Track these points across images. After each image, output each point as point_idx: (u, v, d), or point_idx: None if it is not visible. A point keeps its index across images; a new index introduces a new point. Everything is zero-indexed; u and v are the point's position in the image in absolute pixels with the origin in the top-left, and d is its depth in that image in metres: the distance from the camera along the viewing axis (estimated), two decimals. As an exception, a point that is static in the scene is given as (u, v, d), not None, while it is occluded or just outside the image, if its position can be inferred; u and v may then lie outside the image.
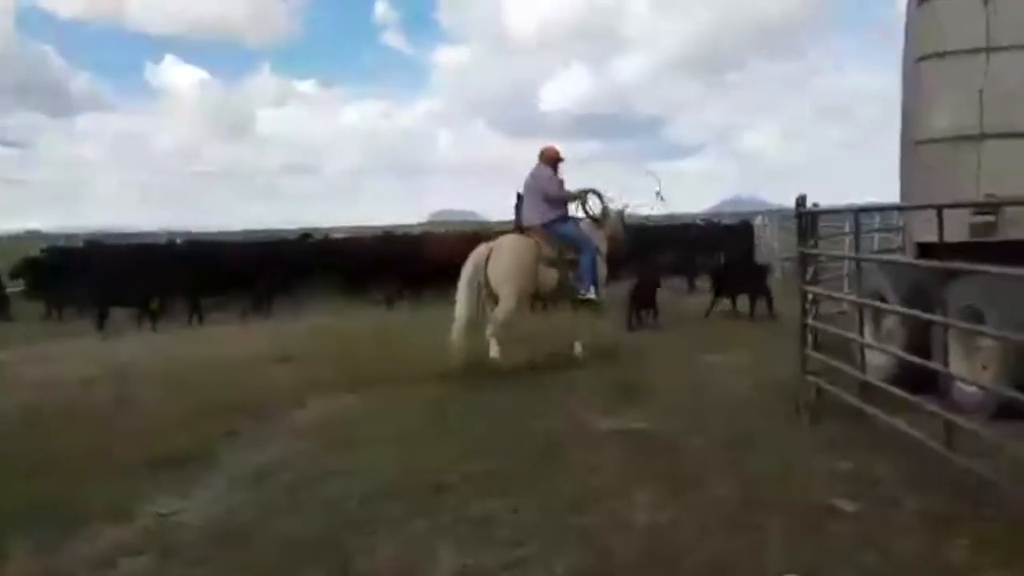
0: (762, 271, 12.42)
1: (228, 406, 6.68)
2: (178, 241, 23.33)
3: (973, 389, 5.16)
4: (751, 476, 4.66)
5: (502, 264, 8.28)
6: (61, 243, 24.73)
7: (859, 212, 5.96)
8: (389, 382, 7.42)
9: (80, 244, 22.39)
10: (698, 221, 26.73)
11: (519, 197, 9.23)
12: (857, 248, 5.95)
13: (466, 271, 8.33)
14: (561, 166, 8.98)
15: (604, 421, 6.02)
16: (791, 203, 5.96)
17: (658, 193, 9.80)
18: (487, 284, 8.28)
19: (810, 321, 5.91)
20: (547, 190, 8.74)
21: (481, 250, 8.46)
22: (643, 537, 3.91)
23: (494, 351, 8.05)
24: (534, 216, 8.77)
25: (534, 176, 8.86)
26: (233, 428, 6.13)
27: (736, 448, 5.22)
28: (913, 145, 6.90)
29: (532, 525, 4.09)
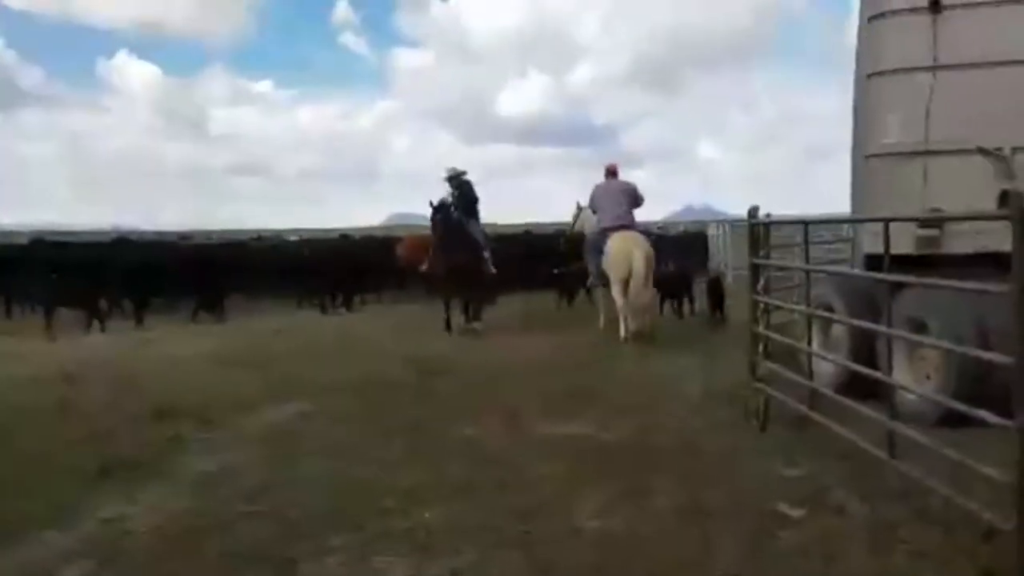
0: (687, 277, 13.49)
1: (175, 410, 6.57)
2: (132, 239, 22.85)
3: (916, 398, 5.28)
4: (699, 482, 4.69)
5: (646, 258, 9.87)
6: (3, 240, 24.04)
7: (809, 224, 6.07)
8: (334, 388, 7.45)
9: (24, 241, 21.76)
10: (655, 229, 27.04)
11: (579, 205, 12.21)
12: (807, 259, 6.06)
13: (620, 267, 9.84)
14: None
15: (548, 426, 6.01)
16: (744, 213, 6.05)
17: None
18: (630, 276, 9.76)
19: (760, 329, 6.00)
20: (636, 196, 10.88)
21: (623, 246, 9.98)
22: (587, 545, 3.92)
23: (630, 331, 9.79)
24: (627, 218, 10.70)
25: (613, 185, 10.96)
26: (180, 433, 6.02)
27: (684, 454, 5.26)
28: (863, 159, 7.05)
29: (472, 534, 4.07)
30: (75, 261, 15.62)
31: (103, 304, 13.86)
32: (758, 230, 5.96)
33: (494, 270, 11.80)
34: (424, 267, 12.09)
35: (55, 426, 6.22)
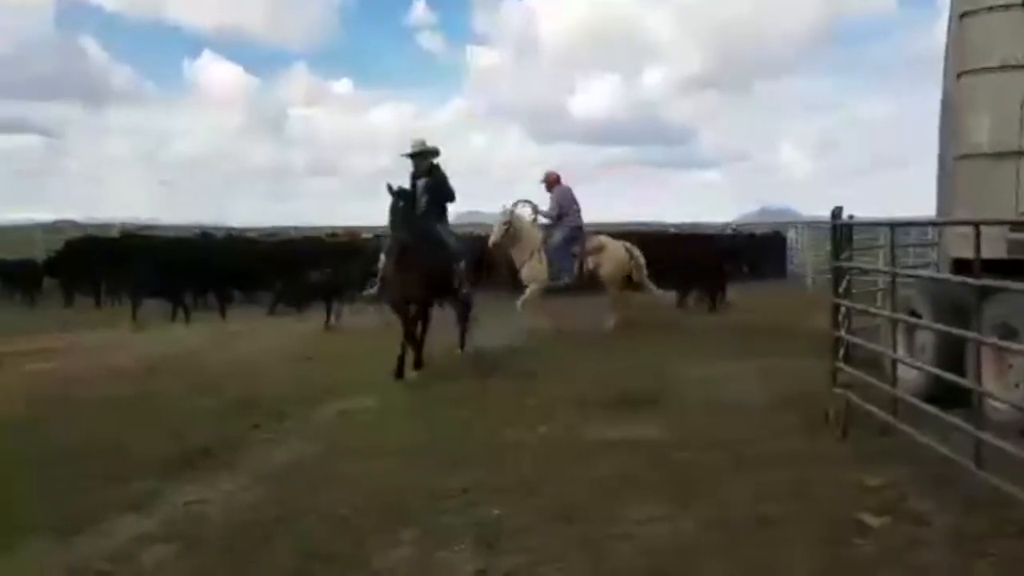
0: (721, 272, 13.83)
1: (251, 403, 6.76)
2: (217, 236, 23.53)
3: (1005, 406, 5.09)
4: (771, 488, 4.59)
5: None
6: (94, 234, 25.03)
7: (895, 226, 5.90)
8: (399, 385, 7.62)
9: (115, 235, 22.65)
10: (728, 230, 26.63)
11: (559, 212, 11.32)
12: (892, 262, 5.89)
13: (622, 266, 11.16)
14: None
15: (610, 429, 5.94)
16: (820, 215, 5.93)
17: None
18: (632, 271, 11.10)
19: (841, 334, 5.86)
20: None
21: (619, 245, 11.37)
22: (653, 549, 3.87)
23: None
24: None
25: (569, 191, 11.35)
26: (255, 425, 6.19)
27: (754, 459, 5.15)
28: (952, 160, 6.82)
29: (535, 533, 4.07)
30: (161, 254, 16.22)
31: (187, 296, 14.32)
32: (841, 232, 5.83)
33: (467, 289, 9.09)
34: (373, 290, 8.83)
35: (137, 416, 6.45)
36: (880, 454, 5.04)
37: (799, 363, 7.57)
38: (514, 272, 11.21)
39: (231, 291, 15.35)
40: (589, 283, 11.33)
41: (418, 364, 8.03)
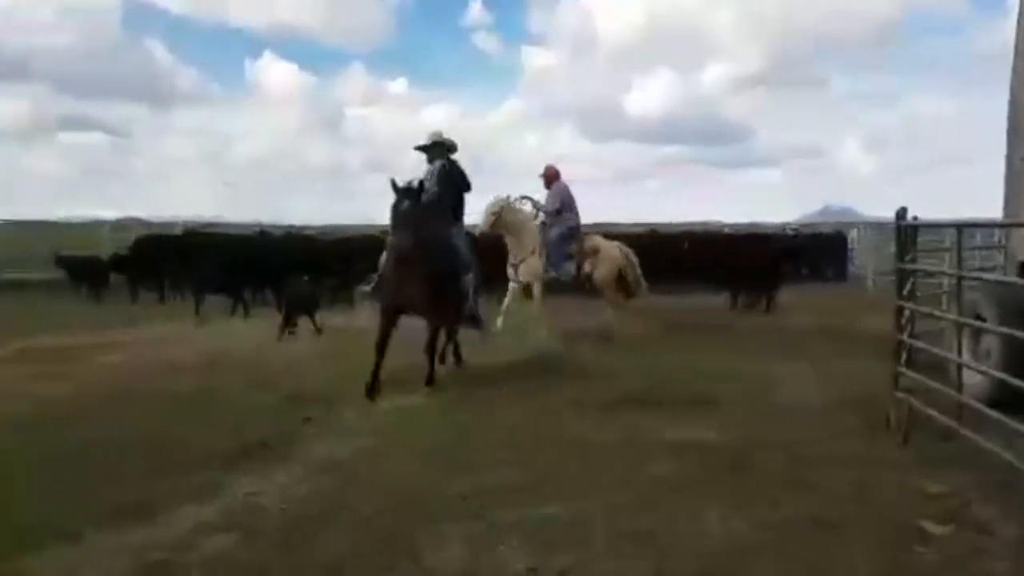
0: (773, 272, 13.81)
1: (306, 397, 6.86)
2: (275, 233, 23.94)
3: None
4: (830, 492, 4.53)
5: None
6: (159, 231, 25.69)
7: (962, 227, 5.74)
8: (451, 382, 7.64)
9: (179, 233, 23.24)
10: (788, 230, 26.17)
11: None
12: (959, 264, 5.74)
13: (616, 268, 10.75)
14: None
15: (667, 430, 5.89)
16: (883, 215, 5.81)
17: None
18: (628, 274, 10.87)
19: (904, 338, 5.74)
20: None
21: (613, 247, 10.96)
22: (709, 550, 3.85)
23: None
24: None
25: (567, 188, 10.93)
26: (309, 419, 6.27)
27: (813, 462, 5.07)
28: (1020, 161, 6.64)
29: (592, 532, 4.06)
30: (222, 252, 16.59)
31: (247, 292, 14.59)
32: (906, 233, 5.70)
33: (476, 307, 8.28)
34: (368, 289, 8.14)
35: (198, 410, 6.60)
36: (943, 460, 4.93)
37: (858, 366, 7.44)
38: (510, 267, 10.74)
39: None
40: (585, 285, 10.94)
41: (430, 380, 7.32)
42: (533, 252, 10.56)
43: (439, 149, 8.31)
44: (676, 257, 16.84)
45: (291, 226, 26.71)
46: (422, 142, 8.35)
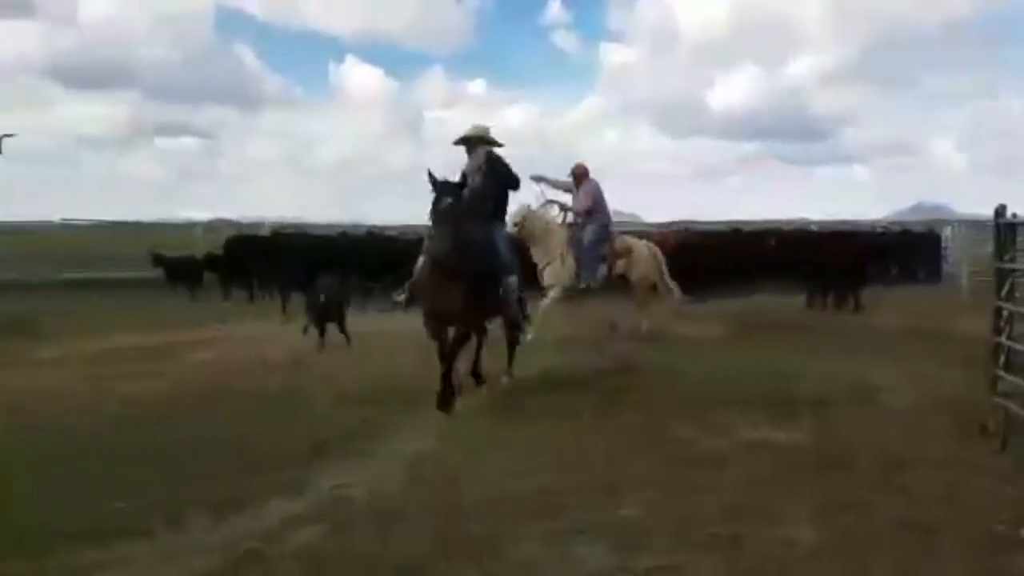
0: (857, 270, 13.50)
1: (387, 393, 6.97)
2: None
3: None
4: (922, 497, 4.40)
5: None
6: (247, 232, 26.46)
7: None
8: (534, 379, 7.63)
9: (267, 233, 23.88)
10: (878, 228, 25.38)
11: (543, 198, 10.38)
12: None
13: (651, 268, 10.59)
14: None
15: (752, 431, 5.81)
16: (977, 212, 5.60)
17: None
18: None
19: (1003, 340, 5.51)
20: None
21: (644, 247, 10.76)
22: (796, 552, 3.79)
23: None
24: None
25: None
26: (390, 416, 6.34)
27: (903, 467, 4.94)
28: None
29: (675, 533, 4.03)
30: (308, 252, 17.00)
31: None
32: (1004, 232, 5.48)
33: (522, 314, 7.70)
34: (400, 295, 7.50)
35: (286, 406, 6.77)
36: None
37: (951, 368, 7.21)
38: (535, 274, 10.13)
39: (370, 286, 15.88)
40: (617, 287, 10.63)
41: (478, 378, 7.44)
42: (558, 257, 10.08)
43: (481, 142, 7.51)
44: (762, 255, 16.47)
45: (372, 227, 27.12)
46: (467, 132, 7.53)
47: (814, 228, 26.17)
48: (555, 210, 10.45)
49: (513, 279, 7.34)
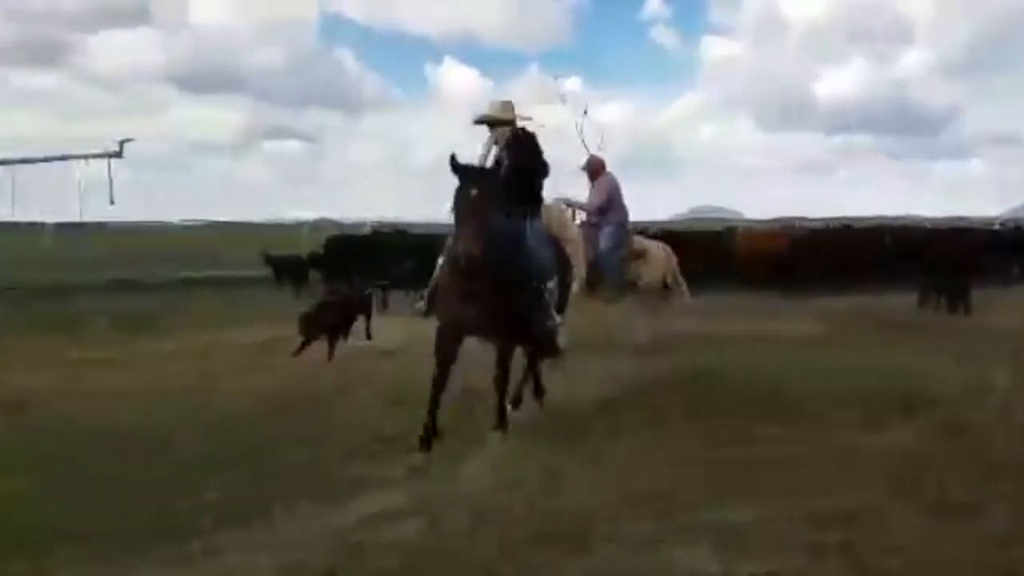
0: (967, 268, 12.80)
1: (482, 390, 6.90)
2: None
3: None
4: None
5: None
6: (349, 232, 27.17)
7: None
8: (647, 374, 7.51)
9: (367, 232, 24.49)
10: (996, 225, 24.18)
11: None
12: None
13: (662, 272, 9.68)
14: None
15: (862, 434, 5.61)
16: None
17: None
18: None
19: None
20: None
21: (659, 248, 9.97)
22: (911, 563, 3.63)
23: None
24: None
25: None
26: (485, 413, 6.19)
27: (1020, 474, 4.70)
28: None
29: (783, 538, 3.91)
30: (406, 250, 17.38)
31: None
32: None
33: (557, 319, 6.19)
34: (420, 303, 6.48)
35: (385, 400, 6.86)
36: None
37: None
38: None
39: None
40: (627, 290, 9.61)
41: (513, 403, 6.33)
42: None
43: (509, 127, 6.36)
44: (876, 253, 15.92)
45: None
46: (487, 111, 6.42)
47: (926, 225, 25.16)
48: (568, 211, 8.77)
49: (551, 285, 6.09)
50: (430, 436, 5.59)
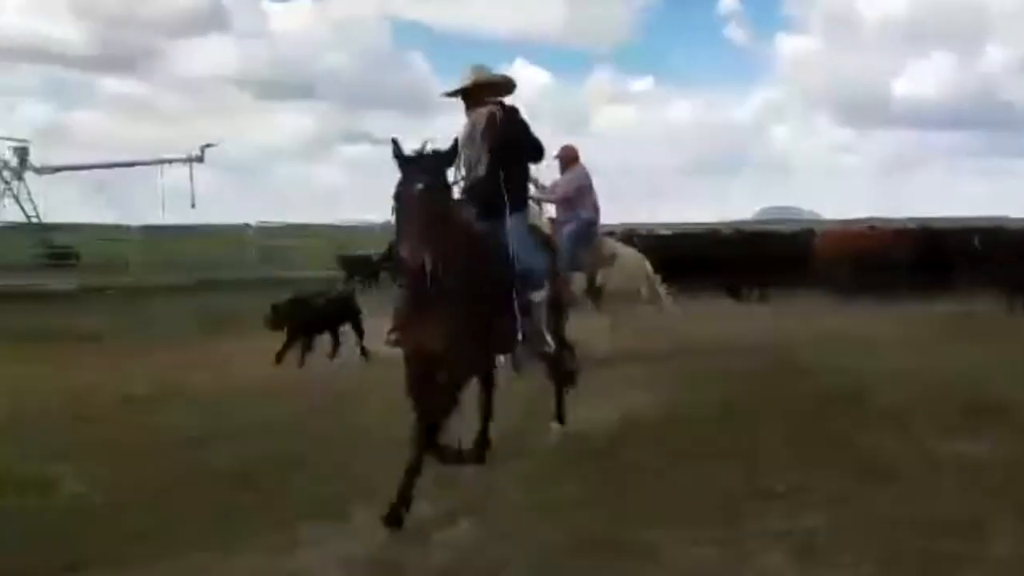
0: None
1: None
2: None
3: None
4: None
5: None
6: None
7: None
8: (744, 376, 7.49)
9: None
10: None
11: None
12: None
13: (633, 280, 9.02)
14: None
15: (947, 443, 5.36)
16: None
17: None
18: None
19: None
20: None
21: (631, 254, 9.44)
22: (997, 573, 3.47)
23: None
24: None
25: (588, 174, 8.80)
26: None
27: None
28: None
29: (864, 545, 3.75)
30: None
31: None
32: None
33: (544, 340, 5.28)
34: (392, 337, 4.67)
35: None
36: None
37: None
38: None
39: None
40: (593, 298, 8.76)
41: (480, 455, 5.14)
42: None
43: (483, 92, 5.22)
44: (962, 256, 15.40)
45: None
46: (461, 83, 5.26)
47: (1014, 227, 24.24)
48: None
49: (539, 295, 5.07)
50: (403, 505, 4.16)
